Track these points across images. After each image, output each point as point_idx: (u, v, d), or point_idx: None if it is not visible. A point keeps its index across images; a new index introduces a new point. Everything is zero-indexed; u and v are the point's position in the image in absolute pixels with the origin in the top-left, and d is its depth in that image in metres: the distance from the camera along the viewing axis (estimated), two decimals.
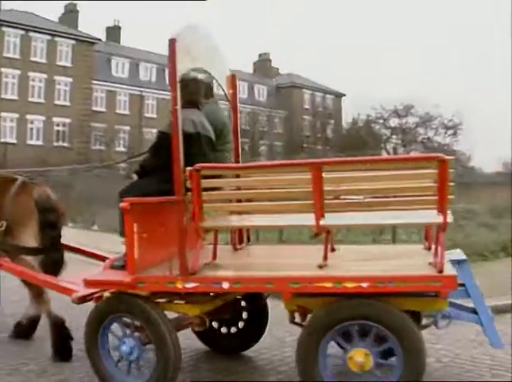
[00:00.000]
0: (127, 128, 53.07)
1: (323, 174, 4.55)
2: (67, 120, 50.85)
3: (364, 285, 4.45)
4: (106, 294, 5.34)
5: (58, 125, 50.95)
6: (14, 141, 47.45)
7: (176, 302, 5.35)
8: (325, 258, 4.90)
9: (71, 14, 55.00)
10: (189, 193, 4.87)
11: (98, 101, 53.61)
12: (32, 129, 49.69)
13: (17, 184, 6.54)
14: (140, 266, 4.98)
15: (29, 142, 48.90)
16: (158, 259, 5.14)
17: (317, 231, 4.71)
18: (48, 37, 50.40)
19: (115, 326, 5.26)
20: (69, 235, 6.51)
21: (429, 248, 5.38)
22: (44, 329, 6.58)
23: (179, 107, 4.91)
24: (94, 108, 52.75)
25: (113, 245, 7.43)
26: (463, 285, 5.04)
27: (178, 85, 4.93)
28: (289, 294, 4.70)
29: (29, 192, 6.48)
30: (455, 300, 5.19)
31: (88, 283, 5.29)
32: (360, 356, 4.54)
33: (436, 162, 4.35)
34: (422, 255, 5.16)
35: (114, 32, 59.05)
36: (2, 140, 45.89)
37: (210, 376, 5.75)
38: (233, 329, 6.35)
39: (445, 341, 6.62)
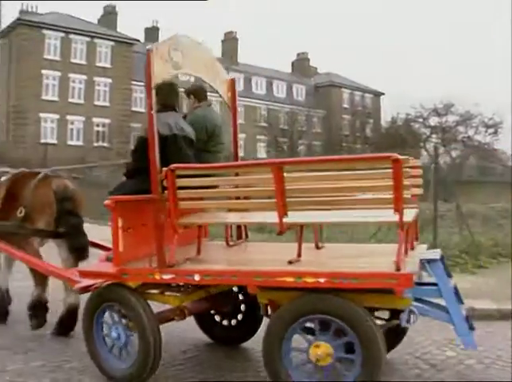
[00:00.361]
0: None
1: (285, 174, 4.72)
2: (107, 121, 51.41)
3: (322, 280, 4.58)
4: (104, 284, 5.74)
5: (98, 125, 51.53)
6: (55, 141, 48.07)
7: (166, 293, 5.76)
8: (299, 254, 5.11)
9: (110, 16, 55.69)
10: (166, 192, 5.18)
11: (137, 101, 53.98)
12: (72, 129, 50.38)
13: (39, 177, 7.24)
14: (125, 258, 5.43)
15: (70, 142, 49.57)
16: (143, 253, 5.45)
17: (281, 229, 4.85)
18: (88, 39, 51.05)
19: (108, 314, 5.67)
20: (106, 233, 6.65)
21: (412, 247, 5.52)
22: None
23: (154, 112, 5.25)
24: (133, 109, 53.20)
25: None
26: (435, 284, 5.10)
27: (153, 92, 5.29)
28: (255, 287, 4.94)
29: (48, 183, 7.14)
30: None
31: (81, 274, 5.94)
32: (321, 349, 4.66)
33: (391, 162, 4.36)
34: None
35: (152, 33, 59.39)
36: (43, 141, 46.52)
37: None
38: (232, 322, 6.67)
39: (487, 342, 6.52)
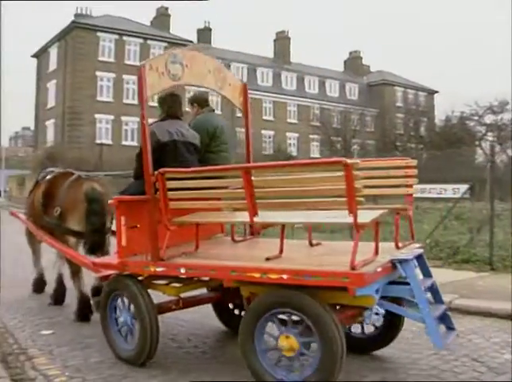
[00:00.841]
0: None
1: (253, 177, 5.00)
2: None
3: (284, 277, 4.84)
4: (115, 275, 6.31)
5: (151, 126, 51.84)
6: (110, 142, 48.89)
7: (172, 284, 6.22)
8: (281, 251, 5.34)
9: (162, 17, 56.36)
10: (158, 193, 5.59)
11: None
12: (126, 130, 51.08)
13: (71, 178, 8.07)
14: (129, 252, 5.99)
15: (124, 142, 50.29)
16: (145, 248, 5.81)
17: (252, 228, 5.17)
18: (141, 41, 51.80)
19: (118, 301, 6.25)
20: None
21: (397, 246, 5.69)
22: None
23: (146, 121, 5.74)
24: (187, 109, 53.28)
25: None
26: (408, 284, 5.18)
27: (146, 104, 5.74)
28: (230, 281, 5.28)
29: (79, 185, 7.90)
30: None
31: (94, 264, 6.74)
32: (287, 341, 4.94)
33: (342, 166, 4.51)
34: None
35: (204, 33, 59.81)
36: (98, 141, 47.28)
37: None
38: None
39: None
